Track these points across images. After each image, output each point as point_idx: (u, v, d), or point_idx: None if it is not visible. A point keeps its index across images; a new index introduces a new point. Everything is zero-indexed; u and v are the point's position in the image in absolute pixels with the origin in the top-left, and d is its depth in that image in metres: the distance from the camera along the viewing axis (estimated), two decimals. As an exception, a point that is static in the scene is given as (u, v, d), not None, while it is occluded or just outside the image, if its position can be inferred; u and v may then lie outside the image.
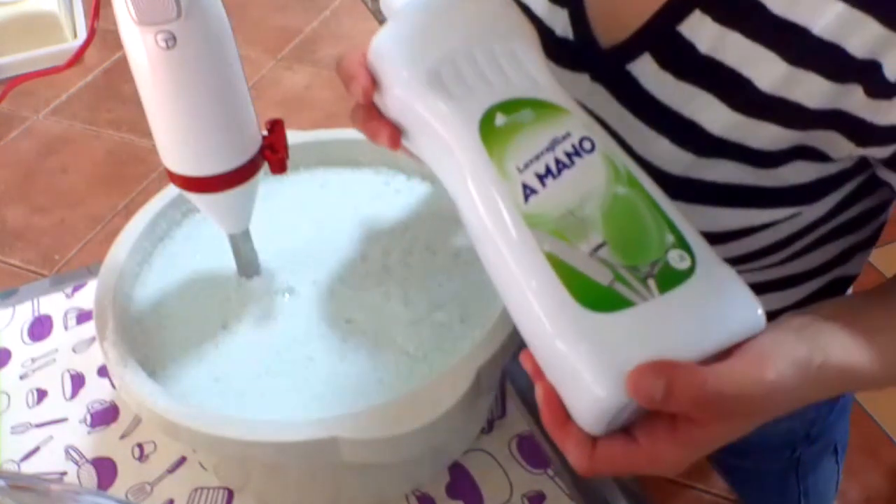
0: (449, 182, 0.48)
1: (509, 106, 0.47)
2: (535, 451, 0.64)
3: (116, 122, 1.89)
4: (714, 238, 0.56)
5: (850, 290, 0.71)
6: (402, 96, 0.48)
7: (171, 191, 0.67)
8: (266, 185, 0.68)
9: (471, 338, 0.58)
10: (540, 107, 0.47)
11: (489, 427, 0.66)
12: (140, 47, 0.49)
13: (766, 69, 0.50)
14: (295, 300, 0.62)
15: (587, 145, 0.45)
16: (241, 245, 0.62)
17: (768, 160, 0.53)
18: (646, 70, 0.55)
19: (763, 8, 0.49)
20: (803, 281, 0.64)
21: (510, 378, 0.69)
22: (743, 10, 0.50)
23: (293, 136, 0.64)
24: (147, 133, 0.53)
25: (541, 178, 0.44)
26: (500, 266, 0.45)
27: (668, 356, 0.39)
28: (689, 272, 0.42)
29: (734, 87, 0.51)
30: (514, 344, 0.56)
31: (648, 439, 0.40)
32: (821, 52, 0.47)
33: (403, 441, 0.51)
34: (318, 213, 0.69)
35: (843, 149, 0.51)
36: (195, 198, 0.57)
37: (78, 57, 0.61)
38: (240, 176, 0.55)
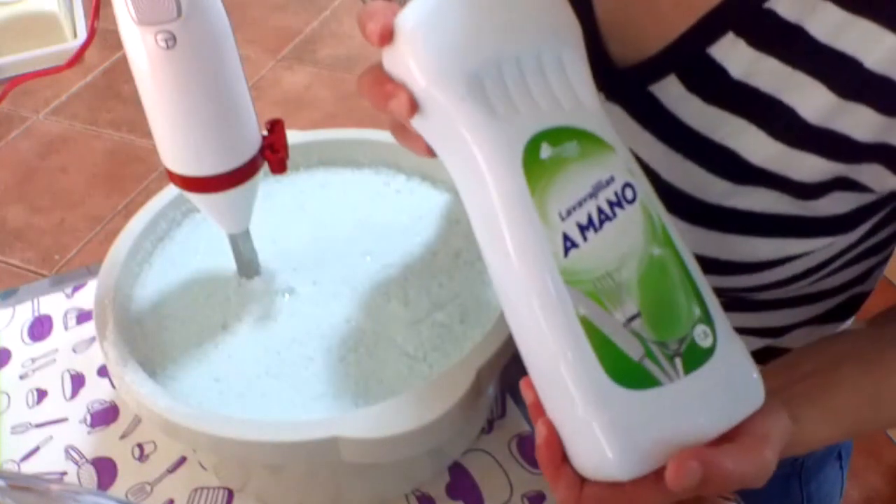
0: (472, 204, 0.44)
1: (556, 134, 0.42)
2: (534, 451, 0.64)
3: (116, 122, 1.88)
4: (746, 268, 0.56)
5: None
6: (431, 93, 0.42)
7: (171, 191, 0.67)
8: (266, 185, 0.68)
9: (471, 338, 0.58)
10: (586, 139, 0.43)
11: (489, 427, 0.66)
12: (140, 47, 0.49)
13: (810, 98, 0.48)
14: (295, 300, 0.62)
15: (629, 194, 0.42)
16: (241, 245, 0.62)
17: (808, 191, 0.51)
18: (671, 92, 0.53)
19: (805, 34, 0.47)
20: (821, 299, 0.64)
21: (510, 380, 0.69)
22: (782, 36, 0.48)
23: (293, 136, 0.64)
24: (147, 133, 0.53)
25: (582, 229, 0.41)
26: (524, 313, 0.42)
27: (686, 438, 0.41)
28: (711, 351, 0.42)
29: (774, 115, 0.49)
30: (514, 344, 0.55)
31: (633, 486, 0.42)
32: (873, 85, 0.46)
33: (403, 441, 0.51)
34: (318, 213, 0.69)
35: (886, 182, 0.50)
36: (195, 198, 0.57)
37: (78, 57, 0.61)
38: (240, 176, 0.55)
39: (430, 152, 0.46)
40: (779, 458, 0.45)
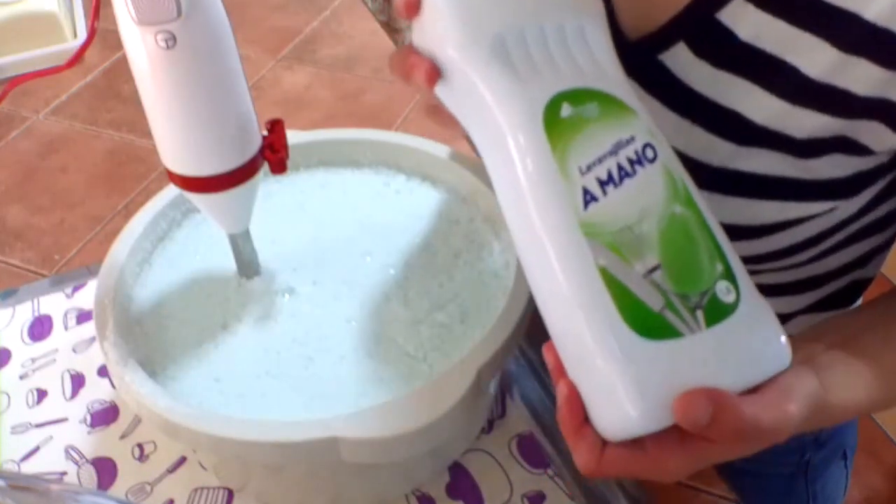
0: (492, 165, 0.45)
1: (577, 96, 0.43)
2: (535, 451, 0.64)
3: (116, 122, 1.88)
4: (748, 232, 0.56)
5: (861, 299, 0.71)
6: (456, 58, 0.44)
7: (171, 191, 0.67)
8: (266, 185, 0.68)
9: (471, 338, 0.58)
10: (607, 102, 0.44)
11: (489, 427, 0.66)
12: (140, 47, 0.49)
13: (813, 56, 0.49)
14: (295, 300, 0.62)
15: (650, 153, 0.43)
16: (242, 245, 0.62)
17: (809, 150, 0.52)
18: (680, 60, 0.54)
19: None
20: (823, 283, 0.64)
21: (510, 380, 0.69)
22: None
23: (293, 136, 0.64)
24: (147, 133, 0.53)
25: (602, 184, 0.42)
26: (545, 268, 0.43)
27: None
28: (734, 307, 0.42)
29: (777, 75, 0.50)
30: (515, 344, 0.56)
31: (657, 448, 0.41)
32: (873, 37, 0.47)
33: (403, 441, 0.51)
34: (318, 213, 0.69)
35: (885, 141, 0.50)
36: (195, 198, 0.57)
37: (78, 57, 0.61)
38: (240, 176, 0.55)
39: (431, 82, 0.47)
40: (808, 427, 0.45)
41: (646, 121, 0.45)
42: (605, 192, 0.42)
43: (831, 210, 0.56)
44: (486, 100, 0.44)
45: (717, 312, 0.42)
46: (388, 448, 0.51)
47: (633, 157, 0.43)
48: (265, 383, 0.57)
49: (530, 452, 0.64)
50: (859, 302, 0.71)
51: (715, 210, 0.55)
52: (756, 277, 0.61)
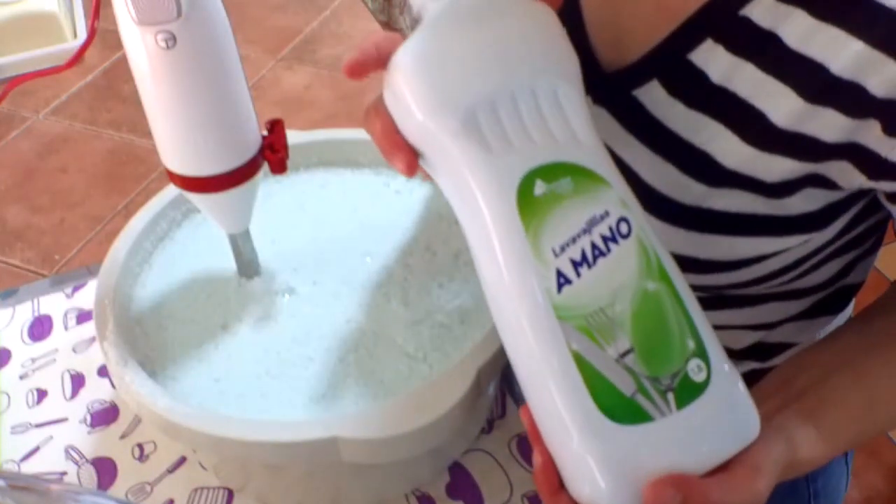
0: (471, 234, 0.45)
1: (550, 171, 0.43)
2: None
3: (116, 122, 1.89)
4: (725, 266, 0.56)
5: (853, 303, 0.71)
6: (429, 128, 0.43)
7: (171, 191, 0.67)
8: (266, 185, 0.68)
9: (471, 338, 0.58)
10: (580, 175, 0.43)
11: (489, 427, 0.66)
12: (140, 47, 0.49)
13: (780, 103, 0.49)
14: (295, 300, 0.62)
15: (623, 228, 0.43)
16: (242, 245, 0.62)
17: (780, 190, 0.52)
18: (654, 97, 0.54)
19: (778, 40, 0.48)
20: (807, 295, 0.64)
21: (508, 382, 0.69)
22: (757, 42, 0.49)
23: (293, 136, 0.64)
24: (147, 133, 0.53)
25: (576, 265, 0.42)
26: (519, 343, 0.43)
27: (679, 471, 0.41)
28: (705, 385, 0.42)
29: (747, 120, 0.50)
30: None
31: None
32: (839, 89, 0.47)
33: (403, 441, 0.51)
34: (318, 213, 0.69)
35: (854, 180, 0.50)
36: (195, 198, 0.57)
37: (78, 57, 0.61)
38: (240, 176, 0.55)
39: (410, 173, 0.47)
40: (779, 482, 0.45)
41: (619, 191, 0.44)
42: (578, 274, 0.42)
43: (806, 241, 0.56)
44: (460, 171, 0.43)
45: (688, 393, 0.42)
46: (388, 448, 0.51)
47: (608, 233, 0.43)
48: (265, 383, 0.57)
49: (530, 452, 0.64)
50: (850, 308, 0.71)
51: (690, 246, 0.55)
52: (737, 292, 0.62)
